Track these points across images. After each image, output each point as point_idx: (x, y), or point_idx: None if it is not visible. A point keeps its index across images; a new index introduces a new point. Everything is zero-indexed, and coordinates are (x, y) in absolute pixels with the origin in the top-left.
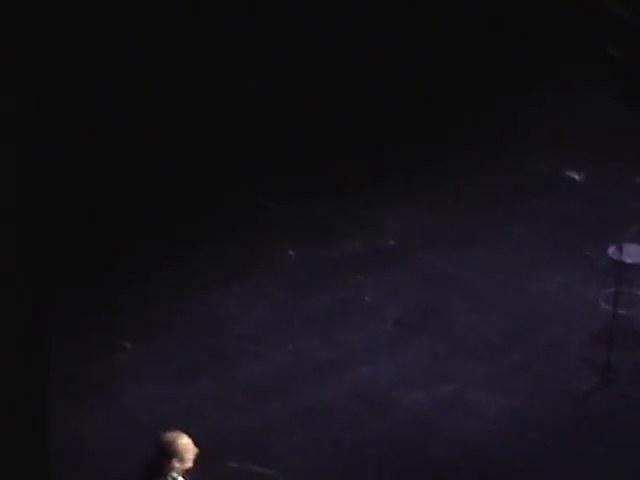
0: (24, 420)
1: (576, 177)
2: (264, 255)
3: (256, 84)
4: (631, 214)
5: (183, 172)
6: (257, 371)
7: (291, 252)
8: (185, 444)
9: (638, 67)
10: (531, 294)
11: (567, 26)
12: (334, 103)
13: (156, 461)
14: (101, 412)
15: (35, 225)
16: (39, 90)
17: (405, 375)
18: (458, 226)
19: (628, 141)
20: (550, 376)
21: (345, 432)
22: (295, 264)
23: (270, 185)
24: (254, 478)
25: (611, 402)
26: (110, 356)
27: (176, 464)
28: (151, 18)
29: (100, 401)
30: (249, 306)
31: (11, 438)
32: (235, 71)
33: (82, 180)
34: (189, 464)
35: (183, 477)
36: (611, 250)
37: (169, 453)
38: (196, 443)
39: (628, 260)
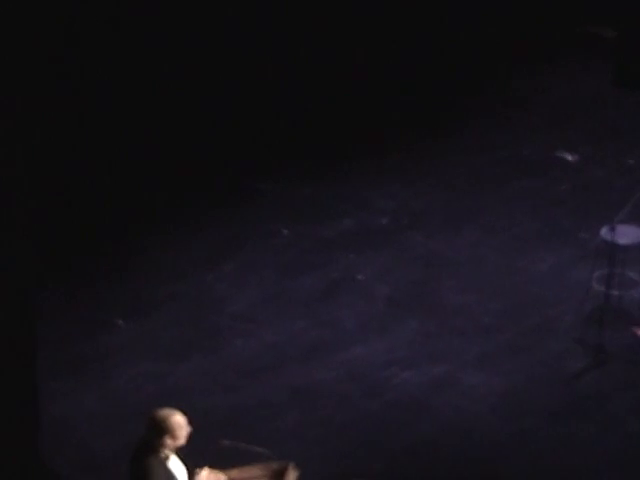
0: (14, 398)
1: (569, 158)
2: (255, 234)
3: (248, 68)
4: (624, 195)
5: (175, 154)
6: (248, 350)
7: (285, 231)
8: (178, 421)
9: (631, 49)
10: (523, 275)
11: (560, 8)
12: (326, 84)
13: (148, 438)
14: (92, 390)
15: (27, 205)
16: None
17: (396, 355)
18: (450, 206)
19: (621, 123)
20: (542, 356)
21: (336, 411)
22: (287, 243)
23: (262, 165)
24: (245, 456)
25: (603, 382)
26: (101, 334)
27: (168, 441)
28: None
29: (91, 379)
30: (241, 285)
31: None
32: (228, 55)
33: (74, 161)
34: (182, 441)
35: (176, 454)
36: (604, 231)
37: (162, 430)
38: (190, 421)
39: (621, 241)
